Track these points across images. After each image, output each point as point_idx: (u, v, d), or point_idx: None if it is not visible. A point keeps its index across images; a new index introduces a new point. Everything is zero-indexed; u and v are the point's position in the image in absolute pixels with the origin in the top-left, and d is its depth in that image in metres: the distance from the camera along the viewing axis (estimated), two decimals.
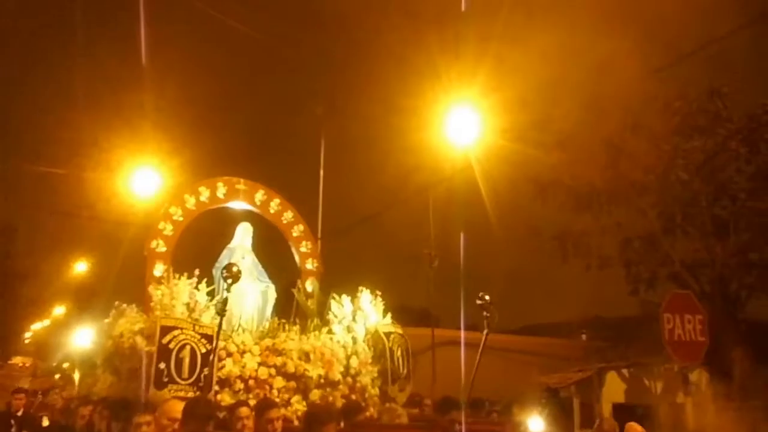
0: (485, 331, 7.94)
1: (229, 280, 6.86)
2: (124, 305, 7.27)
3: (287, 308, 8.37)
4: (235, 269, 7.02)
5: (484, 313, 8.12)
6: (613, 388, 13.67)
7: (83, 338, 15.80)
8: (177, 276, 7.48)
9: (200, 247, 9.25)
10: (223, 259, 8.51)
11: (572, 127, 12.23)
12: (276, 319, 8.19)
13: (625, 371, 13.64)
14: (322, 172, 11.04)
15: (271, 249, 9.13)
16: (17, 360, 37.38)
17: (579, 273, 12.94)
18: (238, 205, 8.83)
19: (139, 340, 6.75)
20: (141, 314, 7.19)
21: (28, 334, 41.13)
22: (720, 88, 11.39)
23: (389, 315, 8.41)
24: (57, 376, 17.80)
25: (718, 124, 11.45)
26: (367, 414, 7.62)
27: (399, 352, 8.18)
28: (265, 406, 6.17)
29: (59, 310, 27.76)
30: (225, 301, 7.00)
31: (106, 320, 7.67)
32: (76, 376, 10.67)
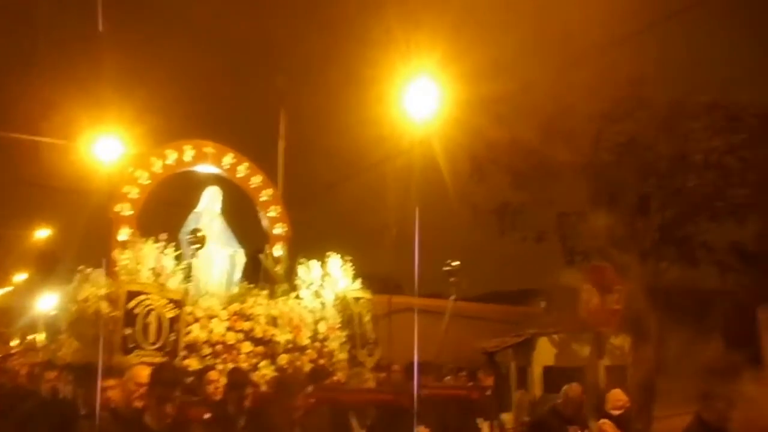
0: (452, 297, 7.93)
1: (195, 245, 6.67)
2: (89, 269, 7.00)
3: (256, 273, 8.19)
4: (200, 234, 6.83)
5: (451, 279, 8.12)
6: (545, 352, 14.39)
7: (47, 304, 15.39)
8: (143, 240, 7.24)
9: (168, 212, 8.97)
10: (190, 224, 8.25)
11: (510, 108, 12.59)
12: (244, 284, 8.02)
13: (555, 336, 14.33)
14: (281, 143, 10.87)
15: (241, 213, 8.90)
16: None
17: (529, 246, 13.39)
18: (206, 168, 8.54)
19: (104, 306, 6.52)
20: (106, 279, 6.94)
21: None
22: (643, 75, 11.89)
23: (358, 280, 8.29)
24: (16, 342, 17.37)
25: (641, 109, 11.93)
26: (335, 378, 7.56)
27: (367, 318, 8.10)
28: (240, 382, 5.99)
29: (21, 277, 27.06)
30: (191, 266, 6.83)
31: (71, 285, 7.40)
32: (40, 341, 10.37)
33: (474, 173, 13.16)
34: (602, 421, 7.28)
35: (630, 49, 11.39)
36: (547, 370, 14.30)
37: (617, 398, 7.56)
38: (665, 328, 12.27)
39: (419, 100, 8.68)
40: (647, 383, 11.27)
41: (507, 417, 11.58)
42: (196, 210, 8.49)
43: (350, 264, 8.32)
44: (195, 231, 6.45)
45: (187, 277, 7.33)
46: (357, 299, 8.12)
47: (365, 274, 8.56)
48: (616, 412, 7.39)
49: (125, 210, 7.74)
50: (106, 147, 9.11)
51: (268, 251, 8.46)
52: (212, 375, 6.63)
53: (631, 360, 12.57)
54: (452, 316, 8.51)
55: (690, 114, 11.84)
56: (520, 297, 17.14)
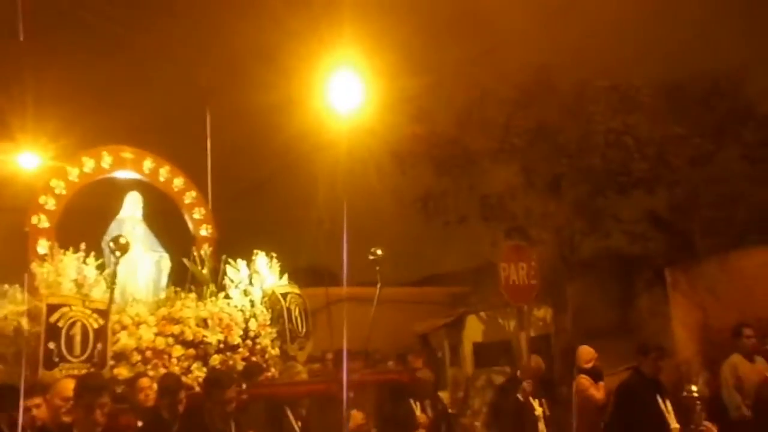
0: (378, 285, 8.13)
1: (118, 253, 6.60)
2: (6, 286, 6.82)
3: (184, 276, 8.15)
4: (122, 241, 6.75)
5: (377, 268, 8.31)
6: (474, 330, 15.03)
7: None
8: (63, 252, 7.10)
9: (89, 221, 8.79)
10: (112, 231, 8.14)
11: (429, 101, 13.07)
12: (171, 288, 7.97)
13: (482, 314, 14.97)
14: (209, 142, 10.75)
15: (165, 217, 8.81)
16: None
17: (456, 229, 13.86)
18: (126, 174, 8.41)
19: (25, 322, 6.39)
20: (25, 294, 6.78)
21: None
22: (548, 62, 12.59)
23: (285, 276, 8.37)
24: None
25: (547, 95, 12.59)
26: (268, 374, 7.65)
27: (297, 312, 8.18)
28: (172, 388, 5.98)
29: None
30: (115, 274, 6.74)
31: None
32: None
33: (397, 166, 13.47)
34: (580, 376, 7.86)
35: (537, 37, 11.95)
36: (477, 346, 14.88)
37: (586, 353, 8.14)
38: (587, 295, 12.92)
39: (343, 94, 8.78)
40: (568, 349, 11.88)
41: (443, 394, 11.97)
42: (118, 217, 8.37)
43: (277, 260, 8.37)
44: (117, 238, 6.37)
45: (112, 285, 7.23)
46: (285, 294, 8.19)
47: (302, 267, 8.64)
48: (588, 365, 7.98)
49: (42, 222, 7.56)
50: (22, 158, 8.85)
51: (194, 253, 8.42)
52: (143, 382, 6.60)
53: (553, 329, 13.21)
54: (389, 302, 8.73)
55: (591, 98, 12.47)
56: (454, 278, 17.61)
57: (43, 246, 7.42)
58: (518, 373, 7.86)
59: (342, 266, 6.77)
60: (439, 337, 15.49)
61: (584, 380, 7.94)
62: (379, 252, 8.12)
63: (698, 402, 6.76)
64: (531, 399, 7.68)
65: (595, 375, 8.04)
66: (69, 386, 5.45)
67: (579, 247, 12.94)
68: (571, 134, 12.61)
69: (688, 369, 9.99)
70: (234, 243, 8.94)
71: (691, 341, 11.19)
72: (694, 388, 6.91)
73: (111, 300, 6.99)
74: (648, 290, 12.69)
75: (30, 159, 8.69)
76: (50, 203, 7.70)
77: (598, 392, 7.96)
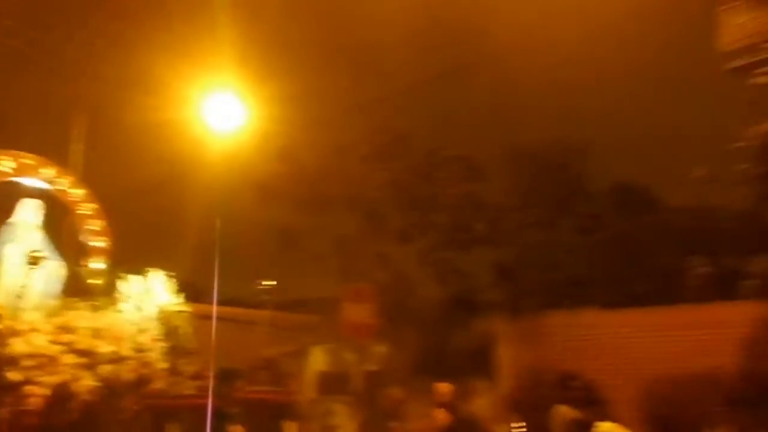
0: (269, 312, 8.79)
1: (32, 265, 6.72)
2: None
3: (77, 286, 8.22)
4: (38, 254, 6.88)
5: (265, 297, 9.00)
6: (318, 359, 15.86)
7: None
8: None
9: None
10: (3, 236, 8.05)
11: (295, 142, 13.97)
12: (65, 297, 8.02)
13: (327, 345, 15.87)
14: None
15: (60, 227, 8.78)
16: None
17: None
18: (26, 180, 8.34)
19: None
20: None
21: None
22: (404, 131, 14.14)
23: (179, 295, 8.73)
24: None
25: (402, 156, 14.11)
26: (156, 386, 7.94)
27: (186, 329, 8.58)
28: (63, 396, 6.20)
29: None
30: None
31: None
32: None
33: (259, 201, 14.02)
34: (436, 410, 8.71)
35: (401, 102, 13.35)
36: (321, 375, 15.56)
37: (441, 388, 9.06)
38: (422, 336, 14.30)
39: (220, 116, 9.30)
40: (403, 383, 13.08)
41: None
42: (9, 221, 8.25)
43: (172, 278, 8.71)
44: (33, 251, 6.52)
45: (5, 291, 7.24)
46: (176, 312, 8.57)
47: (174, 284, 8.91)
48: (444, 399, 8.88)
49: None
50: None
51: (86, 264, 8.52)
52: (31, 388, 6.71)
53: (390, 365, 14.36)
54: (246, 323, 9.26)
55: (438, 164, 14.19)
56: (316, 305, 18.10)
57: None
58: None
59: (210, 284, 7.30)
60: (286, 362, 15.97)
61: (439, 413, 8.89)
62: (269, 283, 8.82)
63: None
64: None
65: (451, 407, 9.06)
66: None
67: (421, 291, 14.33)
68: (421, 192, 14.08)
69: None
70: (128, 255, 9.12)
71: (511, 382, 12.79)
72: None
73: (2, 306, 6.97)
74: (479, 335, 14.27)
75: None
76: None
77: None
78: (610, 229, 13.61)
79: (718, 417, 8.19)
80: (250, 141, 11.47)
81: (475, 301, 14.19)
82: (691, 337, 9.48)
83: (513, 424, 8.35)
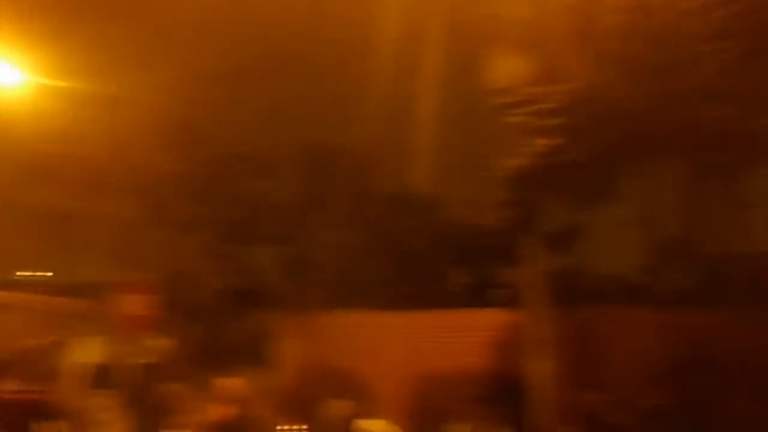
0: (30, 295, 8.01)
1: None
2: None
3: None
4: None
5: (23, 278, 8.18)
6: (90, 350, 14.94)
7: None
8: None
9: None
10: None
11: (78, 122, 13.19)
12: None
13: (101, 336, 15.03)
14: None
15: None
16: None
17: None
18: None
19: None
20: None
21: None
22: (196, 123, 13.98)
23: None
24: None
25: (190, 149, 14.01)
26: None
27: None
28: None
29: None
30: None
31: None
32: None
33: (24, 181, 12.85)
34: (213, 405, 8.57)
35: (196, 93, 13.00)
36: (92, 367, 14.50)
37: (222, 383, 8.94)
38: (202, 329, 14.06)
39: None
40: (181, 376, 12.83)
41: None
42: None
43: None
44: None
45: None
46: None
47: None
48: (224, 395, 8.78)
49: None
50: None
51: None
52: None
53: (169, 358, 13.91)
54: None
55: (228, 159, 13.91)
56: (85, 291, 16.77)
57: None
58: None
59: None
60: (51, 353, 14.56)
61: (216, 408, 8.90)
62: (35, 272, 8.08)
63: None
64: None
65: (232, 403, 9.07)
66: None
67: (203, 284, 14.08)
68: (209, 186, 13.88)
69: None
70: None
71: (284, 376, 13.13)
72: None
73: None
74: (256, 329, 14.38)
75: None
76: None
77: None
78: (390, 234, 14.59)
79: (465, 411, 9.26)
80: (25, 114, 10.48)
81: (258, 296, 14.32)
82: (452, 339, 10.67)
83: (290, 425, 8.64)
